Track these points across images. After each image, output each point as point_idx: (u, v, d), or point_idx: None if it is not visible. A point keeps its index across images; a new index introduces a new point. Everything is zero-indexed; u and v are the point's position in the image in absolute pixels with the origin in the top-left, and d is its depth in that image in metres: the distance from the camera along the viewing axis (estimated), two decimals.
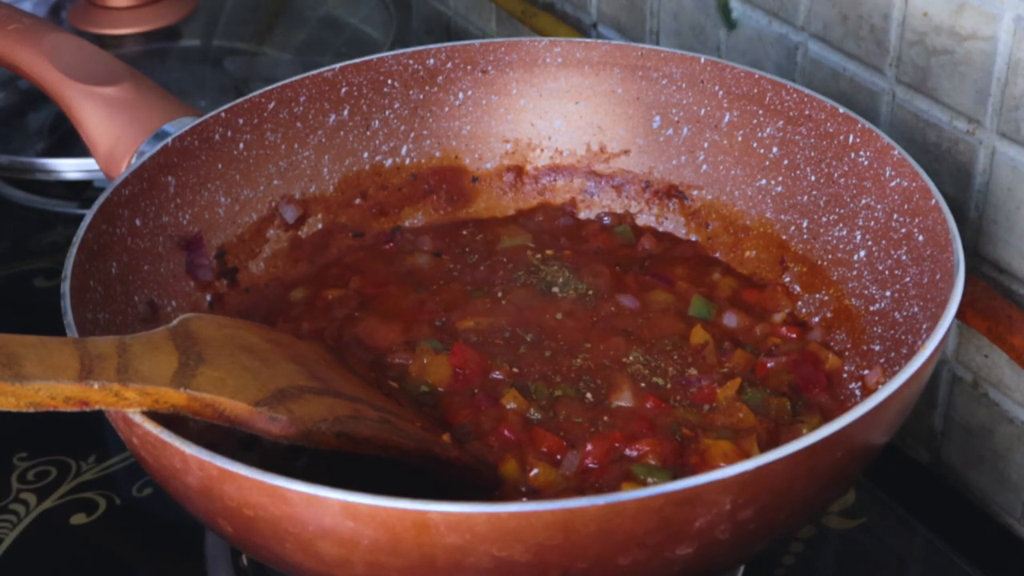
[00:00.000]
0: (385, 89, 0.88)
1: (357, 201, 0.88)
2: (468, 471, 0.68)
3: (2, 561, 0.76)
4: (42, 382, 0.58)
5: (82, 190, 1.09)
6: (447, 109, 0.89)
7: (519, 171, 0.90)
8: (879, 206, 0.76)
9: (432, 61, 0.88)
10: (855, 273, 0.77)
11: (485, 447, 0.69)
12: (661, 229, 0.88)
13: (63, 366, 0.59)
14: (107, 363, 0.61)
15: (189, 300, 0.79)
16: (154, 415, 0.59)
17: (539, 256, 0.85)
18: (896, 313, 0.73)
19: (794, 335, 0.78)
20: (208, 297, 0.80)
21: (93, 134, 0.84)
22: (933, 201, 0.71)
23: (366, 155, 0.88)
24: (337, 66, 0.86)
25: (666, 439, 0.69)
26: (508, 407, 0.71)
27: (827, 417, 0.71)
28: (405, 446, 0.66)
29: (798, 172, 0.81)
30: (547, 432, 0.69)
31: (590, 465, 0.68)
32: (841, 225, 0.78)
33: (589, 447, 0.68)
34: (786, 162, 0.82)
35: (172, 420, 0.70)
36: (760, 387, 0.73)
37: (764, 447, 0.68)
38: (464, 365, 0.74)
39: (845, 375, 0.75)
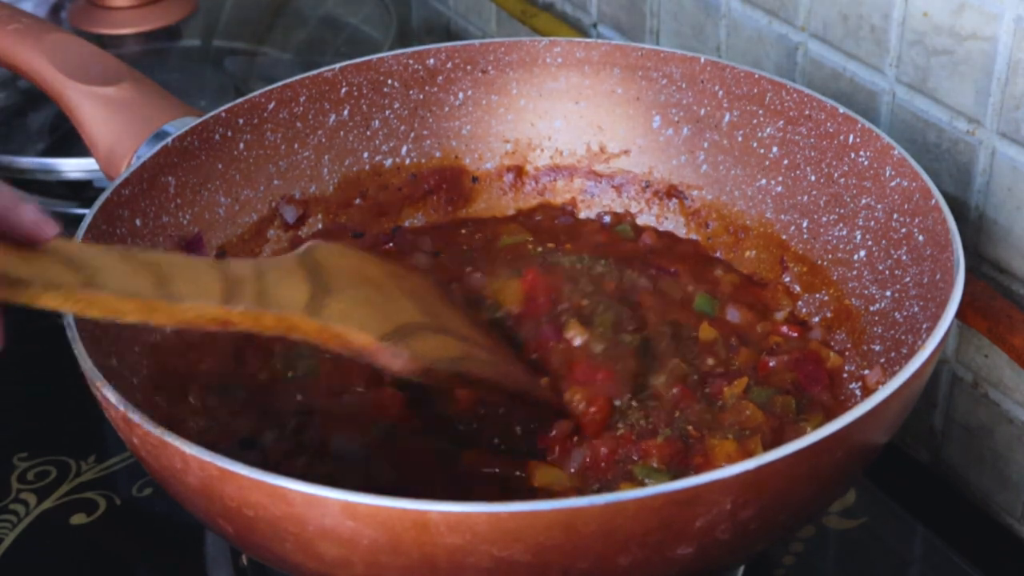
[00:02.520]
0: (385, 89, 0.88)
1: (357, 201, 0.88)
2: (551, 411, 0.71)
3: (2, 561, 0.76)
4: (191, 302, 0.58)
5: (82, 190, 1.09)
6: (447, 109, 0.89)
7: (519, 171, 0.90)
8: (879, 206, 0.76)
9: (432, 61, 0.88)
10: (855, 273, 0.77)
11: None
12: (661, 229, 0.88)
13: (208, 288, 0.60)
14: (246, 287, 0.61)
15: None
16: (154, 415, 0.59)
17: (540, 249, 0.85)
18: (896, 313, 0.73)
19: (795, 334, 0.78)
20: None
21: (93, 134, 0.84)
22: (933, 201, 0.71)
23: (366, 155, 0.88)
24: (337, 66, 0.86)
25: (671, 441, 0.69)
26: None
27: (829, 416, 0.71)
28: (507, 387, 0.69)
29: (798, 172, 0.81)
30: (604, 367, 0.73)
31: (599, 463, 0.68)
32: (841, 225, 0.78)
33: (603, 450, 0.69)
34: (786, 162, 0.82)
35: (172, 420, 0.70)
36: (765, 385, 0.73)
37: (768, 446, 0.68)
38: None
39: (846, 375, 0.75)
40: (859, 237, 0.77)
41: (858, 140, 0.77)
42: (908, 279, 0.72)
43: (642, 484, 0.66)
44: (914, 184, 0.73)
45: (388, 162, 0.89)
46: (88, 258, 0.57)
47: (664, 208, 0.88)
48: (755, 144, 0.84)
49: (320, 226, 0.86)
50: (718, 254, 0.85)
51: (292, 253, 0.67)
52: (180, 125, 0.81)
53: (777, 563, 0.75)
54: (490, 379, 0.68)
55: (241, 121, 0.83)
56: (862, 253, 0.77)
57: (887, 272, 0.74)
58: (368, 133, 0.88)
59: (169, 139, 0.79)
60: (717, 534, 0.56)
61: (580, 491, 0.67)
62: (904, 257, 0.73)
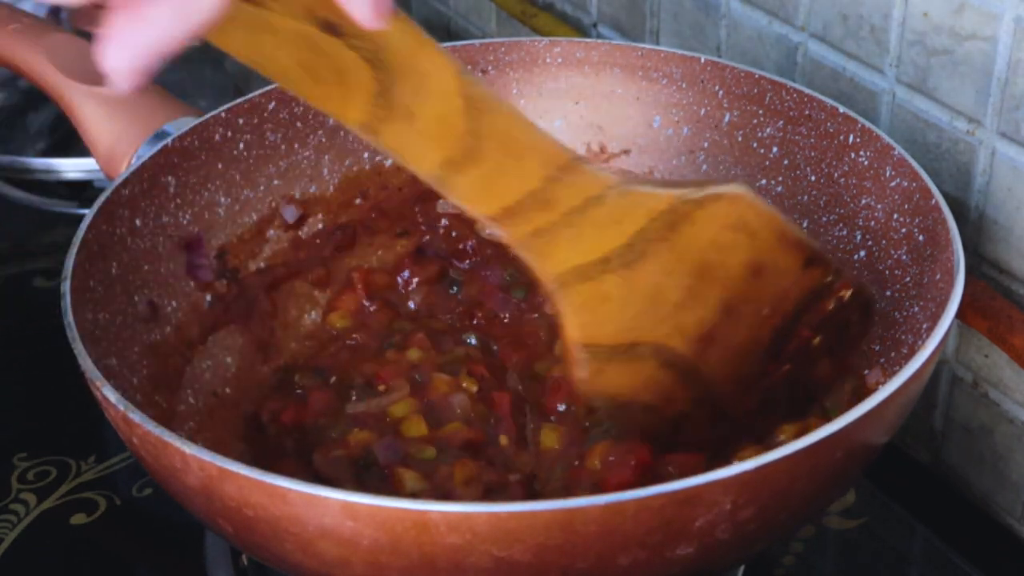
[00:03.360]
0: None
1: (357, 201, 0.88)
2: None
3: (2, 561, 0.76)
4: (458, 197, 0.53)
5: (82, 190, 1.09)
6: None
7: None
8: (879, 206, 0.76)
9: None
10: (855, 273, 0.77)
11: None
12: None
13: (489, 193, 0.54)
14: (538, 215, 0.55)
15: (189, 300, 0.79)
16: (154, 415, 0.59)
17: None
18: (896, 313, 0.72)
19: None
20: (208, 297, 0.80)
21: (93, 134, 0.84)
22: (933, 201, 0.71)
23: (366, 155, 0.88)
24: None
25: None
26: None
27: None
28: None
29: (798, 172, 0.81)
30: None
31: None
32: (841, 225, 0.78)
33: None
34: (786, 162, 0.82)
35: (172, 420, 0.70)
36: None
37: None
38: None
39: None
40: (859, 237, 0.77)
41: (858, 140, 0.77)
42: (908, 279, 0.72)
43: None
44: (914, 184, 0.73)
45: (388, 162, 0.89)
46: (403, 96, 0.50)
47: None
48: (755, 144, 0.84)
49: (320, 226, 0.86)
50: None
51: (689, 193, 0.58)
52: (180, 125, 0.81)
53: (777, 563, 0.75)
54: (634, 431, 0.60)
55: (241, 121, 0.83)
56: (862, 253, 0.77)
57: (887, 272, 0.74)
58: None
59: (169, 139, 0.79)
60: (717, 534, 0.56)
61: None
62: (904, 257, 0.73)
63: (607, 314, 0.58)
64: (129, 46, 0.44)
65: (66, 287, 0.67)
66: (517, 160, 0.54)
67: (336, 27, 0.48)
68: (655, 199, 0.58)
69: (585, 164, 0.56)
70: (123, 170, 0.80)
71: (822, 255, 0.65)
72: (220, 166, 0.82)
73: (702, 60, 0.85)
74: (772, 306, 0.62)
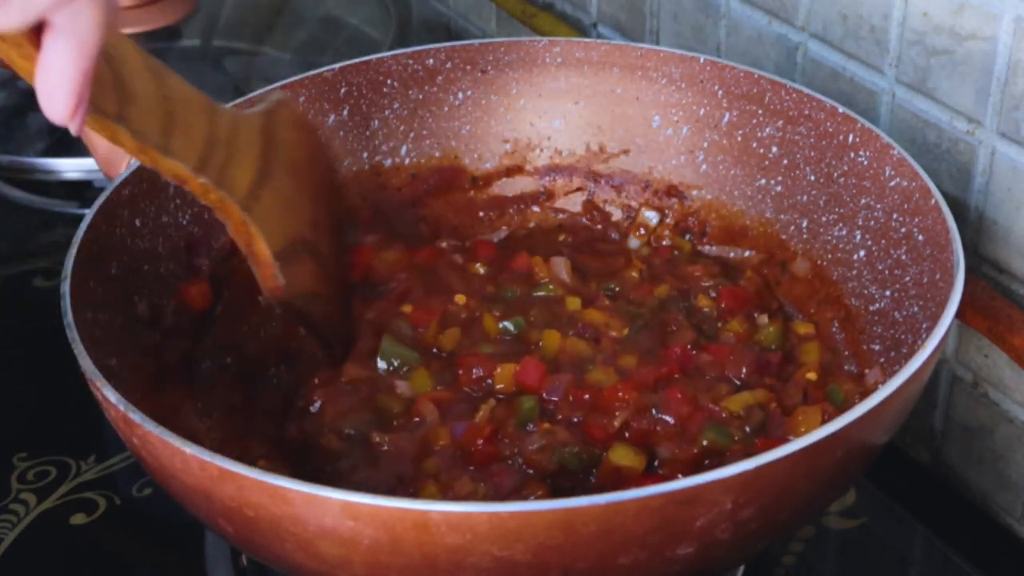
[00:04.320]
0: (385, 89, 0.88)
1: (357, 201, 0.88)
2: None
3: (2, 561, 0.76)
4: (175, 161, 0.60)
5: (82, 190, 1.09)
6: (447, 109, 0.89)
7: (519, 171, 0.90)
8: (879, 206, 0.76)
9: (432, 61, 0.88)
10: (855, 273, 0.77)
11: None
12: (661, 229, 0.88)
13: (194, 147, 0.61)
14: (218, 153, 0.62)
15: (189, 300, 0.79)
16: (154, 415, 0.59)
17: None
18: (896, 313, 0.73)
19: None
20: (208, 297, 0.80)
21: (93, 134, 0.84)
22: (933, 201, 0.71)
23: (365, 155, 0.88)
24: (337, 66, 0.86)
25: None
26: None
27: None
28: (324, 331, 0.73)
29: (798, 172, 0.81)
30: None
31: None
32: (841, 225, 0.78)
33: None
34: (786, 162, 0.82)
35: (171, 419, 0.70)
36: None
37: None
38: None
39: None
40: (859, 237, 0.77)
41: (858, 140, 0.77)
42: (908, 279, 0.72)
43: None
44: (914, 184, 0.73)
45: (388, 162, 0.89)
46: (129, 80, 0.57)
47: (664, 208, 0.88)
48: (755, 144, 0.84)
49: None
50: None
51: (262, 109, 0.69)
52: None
53: (777, 563, 0.75)
54: (319, 324, 0.71)
55: None
56: (862, 253, 0.77)
57: (887, 272, 0.74)
58: (367, 133, 0.88)
59: None
60: (717, 534, 0.56)
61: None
62: (904, 257, 0.73)
63: (274, 222, 0.66)
64: (60, 69, 0.51)
65: (66, 287, 0.67)
66: (192, 111, 0.62)
67: None
68: (254, 118, 0.68)
69: (212, 101, 0.65)
70: (123, 170, 0.79)
71: (306, 120, 0.79)
72: None
73: (702, 60, 0.85)
74: (321, 178, 0.74)
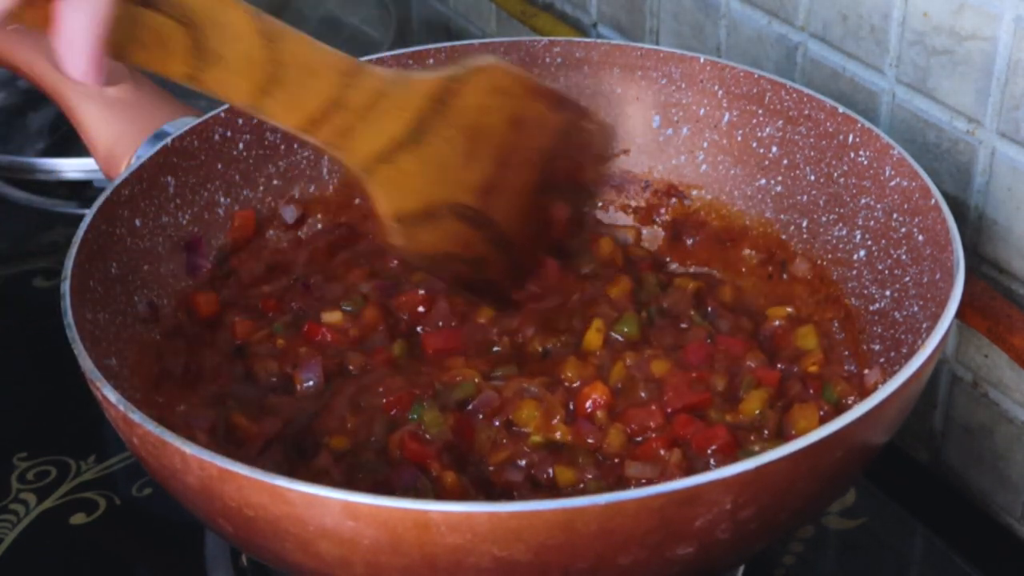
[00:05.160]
0: None
1: (357, 201, 0.87)
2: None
3: (2, 561, 0.76)
4: (279, 118, 0.64)
5: (82, 190, 1.09)
6: None
7: None
8: (879, 206, 0.76)
9: (432, 61, 0.88)
10: (855, 273, 0.77)
11: None
12: (660, 230, 0.88)
13: (309, 102, 0.64)
14: (345, 114, 0.65)
15: (189, 300, 0.79)
16: (154, 415, 0.59)
17: None
18: (896, 313, 0.73)
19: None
20: (208, 296, 0.80)
21: (93, 134, 0.84)
22: (933, 201, 0.71)
23: None
24: None
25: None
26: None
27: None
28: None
29: (798, 172, 0.81)
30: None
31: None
32: (841, 225, 0.78)
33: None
34: (786, 162, 0.82)
35: (171, 419, 0.70)
36: None
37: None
38: None
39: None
40: (859, 237, 0.77)
41: (858, 140, 0.77)
42: (908, 279, 0.72)
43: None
44: (914, 184, 0.73)
45: None
46: (216, 45, 0.60)
47: (663, 207, 0.88)
48: (755, 144, 0.84)
49: (320, 226, 0.86)
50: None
51: (448, 73, 0.69)
52: (180, 125, 0.81)
53: (777, 563, 0.75)
54: (453, 284, 0.74)
55: (241, 121, 0.83)
56: (862, 253, 0.77)
57: (887, 272, 0.74)
58: None
59: (169, 139, 0.79)
60: (717, 534, 0.56)
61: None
62: (904, 257, 0.73)
63: (407, 186, 0.68)
64: (76, 35, 0.55)
65: (66, 287, 0.67)
66: (313, 76, 0.64)
67: (150, 2, 0.59)
68: (426, 83, 0.69)
69: (368, 66, 0.67)
70: (123, 170, 0.80)
71: (566, 98, 0.79)
72: (220, 166, 0.82)
73: (702, 60, 0.85)
74: (534, 149, 0.74)
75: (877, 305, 0.75)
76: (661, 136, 0.88)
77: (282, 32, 0.63)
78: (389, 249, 0.71)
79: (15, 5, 0.54)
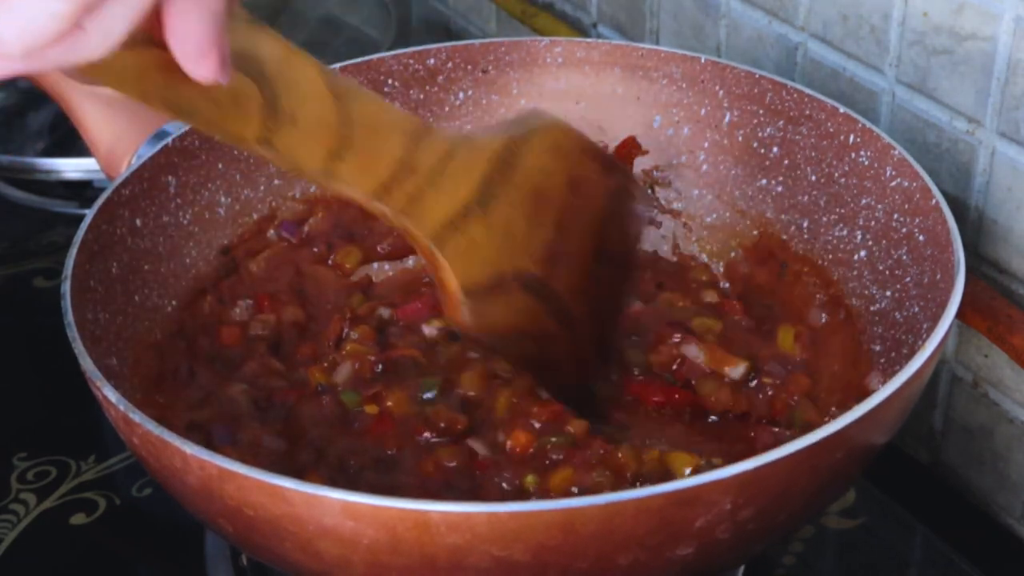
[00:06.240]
0: (385, 89, 0.88)
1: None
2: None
3: (2, 561, 0.76)
4: (345, 188, 0.58)
5: (82, 190, 1.09)
6: (447, 109, 0.89)
7: None
8: (879, 206, 0.76)
9: (432, 61, 0.88)
10: (855, 273, 0.77)
11: None
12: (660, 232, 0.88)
13: (374, 173, 0.58)
14: (414, 179, 0.59)
15: (189, 300, 0.79)
16: (153, 414, 0.59)
17: None
18: (896, 313, 0.72)
19: None
20: (208, 298, 0.80)
21: (94, 134, 0.84)
22: (933, 201, 0.71)
23: None
24: (337, 66, 0.86)
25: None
26: None
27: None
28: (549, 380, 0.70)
29: (798, 172, 0.81)
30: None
31: None
32: (841, 225, 0.78)
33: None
34: (786, 162, 0.82)
35: (172, 420, 0.70)
36: None
37: None
38: None
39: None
40: (859, 237, 0.77)
41: (858, 140, 0.77)
42: (908, 279, 0.72)
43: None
44: (914, 184, 0.73)
45: None
46: (288, 105, 0.54)
47: (663, 207, 0.88)
48: (755, 144, 0.84)
49: (320, 226, 0.86)
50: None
51: (512, 133, 0.65)
52: (180, 125, 0.81)
53: (777, 563, 0.75)
54: (522, 364, 0.68)
55: None
56: (862, 253, 0.77)
57: (887, 272, 0.74)
58: None
59: (169, 139, 0.79)
60: (717, 534, 0.56)
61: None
62: (904, 257, 0.73)
63: (476, 256, 0.63)
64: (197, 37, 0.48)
65: (66, 287, 0.67)
66: (383, 138, 0.59)
67: None
68: (491, 144, 0.64)
69: (432, 126, 0.63)
70: (123, 170, 0.80)
71: (615, 160, 0.77)
72: (220, 166, 0.82)
73: (702, 60, 0.85)
74: (589, 212, 0.70)
75: (878, 305, 0.75)
76: (662, 136, 0.88)
77: (351, 90, 0.58)
78: (459, 329, 0.66)
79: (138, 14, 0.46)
